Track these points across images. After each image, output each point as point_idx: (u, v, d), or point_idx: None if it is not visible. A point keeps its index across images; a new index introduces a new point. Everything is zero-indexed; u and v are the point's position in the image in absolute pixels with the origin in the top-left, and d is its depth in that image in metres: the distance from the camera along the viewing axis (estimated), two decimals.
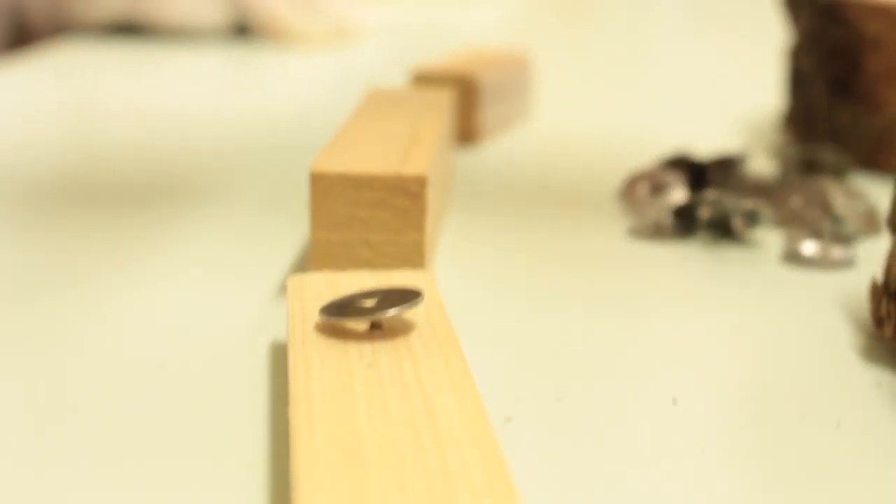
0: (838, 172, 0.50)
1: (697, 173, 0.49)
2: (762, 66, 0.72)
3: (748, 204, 0.44)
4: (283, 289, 0.39)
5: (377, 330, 0.31)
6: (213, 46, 0.81)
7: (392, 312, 0.31)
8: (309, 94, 0.72)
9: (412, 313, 0.32)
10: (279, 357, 0.34)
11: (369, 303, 0.32)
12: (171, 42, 0.81)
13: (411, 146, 0.41)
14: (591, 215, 0.48)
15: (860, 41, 0.53)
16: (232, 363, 0.34)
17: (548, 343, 0.36)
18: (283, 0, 0.84)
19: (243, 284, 0.40)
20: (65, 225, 0.46)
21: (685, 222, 0.45)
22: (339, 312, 0.31)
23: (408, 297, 0.32)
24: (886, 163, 0.53)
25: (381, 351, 0.30)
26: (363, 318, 0.31)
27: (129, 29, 0.83)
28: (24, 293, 0.39)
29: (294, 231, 0.44)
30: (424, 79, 0.56)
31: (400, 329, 0.31)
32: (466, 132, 0.56)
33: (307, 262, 0.40)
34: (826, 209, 0.46)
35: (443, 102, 0.48)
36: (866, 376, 0.34)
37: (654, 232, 0.45)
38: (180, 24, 0.81)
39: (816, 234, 0.45)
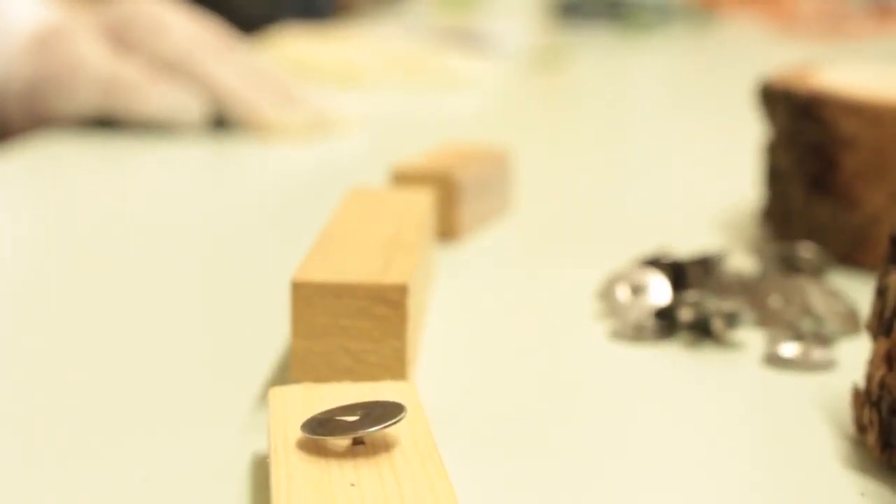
0: (817, 270, 0.51)
1: (677, 273, 0.49)
2: (739, 161, 0.73)
3: (728, 306, 0.45)
4: (265, 396, 0.39)
5: (360, 445, 0.31)
6: (191, 140, 0.81)
7: (374, 429, 0.31)
8: (289, 189, 0.72)
9: (394, 428, 0.32)
10: (260, 471, 0.34)
11: (351, 418, 0.32)
12: (148, 135, 0.81)
13: (392, 252, 0.41)
14: (573, 316, 0.48)
15: (836, 140, 0.53)
16: (213, 477, 0.34)
17: (532, 452, 0.36)
18: (261, 92, 0.84)
19: (223, 393, 0.40)
20: (38, 332, 0.46)
21: (666, 324, 0.45)
22: (321, 429, 0.31)
23: (390, 412, 0.31)
24: (865, 260, 0.53)
25: (363, 468, 0.30)
26: (345, 434, 0.31)
27: (105, 123, 0.83)
28: None
29: (274, 336, 0.44)
30: (404, 177, 0.56)
31: (382, 445, 0.31)
32: (446, 229, 0.56)
33: (288, 369, 0.40)
34: (806, 309, 0.46)
35: (423, 204, 0.48)
36: (850, 485, 0.34)
37: (636, 334, 0.45)
38: (157, 116, 0.82)
39: (796, 334, 0.45)
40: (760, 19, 1.80)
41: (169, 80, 0.82)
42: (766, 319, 0.46)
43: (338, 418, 0.32)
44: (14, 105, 0.85)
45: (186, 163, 0.78)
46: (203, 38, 0.86)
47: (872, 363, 0.36)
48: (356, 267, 0.39)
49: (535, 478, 0.34)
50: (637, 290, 0.48)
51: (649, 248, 0.53)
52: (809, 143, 0.54)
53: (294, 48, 1.12)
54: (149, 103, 0.82)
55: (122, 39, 0.85)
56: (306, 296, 0.38)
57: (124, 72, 0.82)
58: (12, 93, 0.85)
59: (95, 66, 0.82)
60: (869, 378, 0.36)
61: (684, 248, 0.53)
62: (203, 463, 0.35)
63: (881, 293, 0.37)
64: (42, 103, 0.84)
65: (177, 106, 0.82)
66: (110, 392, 0.40)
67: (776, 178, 0.58)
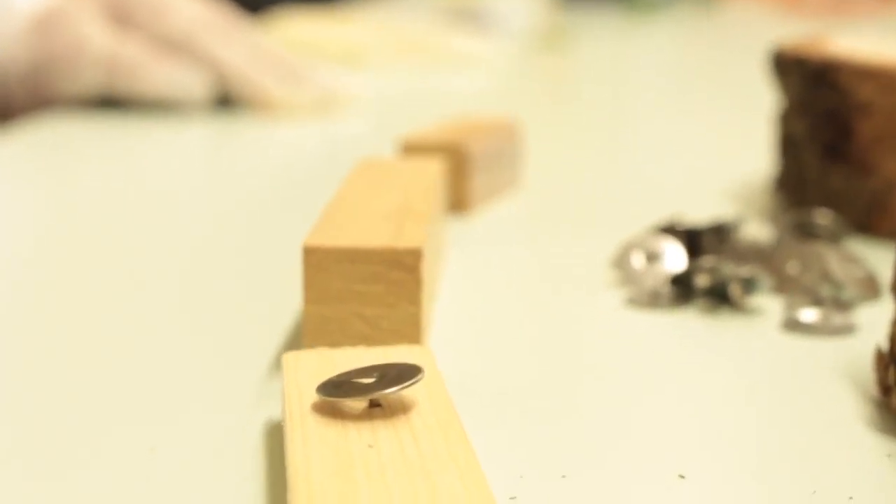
0: (834, 237, 0.50)
1: (692, 240, 0.48)
2: (752, 130, 0.72)
3: (745, 271, 0.44)
4: (277, 364, 0.38)
5: (376, 408, 0.30)
6: (195, 119, 0.80)
7: (391, 390, 0.30)
8: (295, 165, 0.72)
9: (411, 391, 0.31)
10: (275, 436, 0.33)
11: (367, 380, 0.31)
12: (153, 114, 0.81)
13: (404, 218, 0.40)
14: (587, 284, 0.47)
15: (851, 106, 0.52)
16: (227, 442, 0.33)
17: (550, 417, 0.35)
18: (266, 70, 0.84)
19: (237, 361, 0.39)
20: (45, 309, 0.46)
21: (682, 290, 0.45)
22: (337, 391, 0.31)
23: (407, 373, 0.31)
24: (881, 227, 0.52)
25: (380, 430, 0.29)
26: (362, 396, 0.30)
27: (109, 103, 0.82)
28: None
29: (287, 304, 0.43)
30: (413, 148, 0.55)
31: (399, 407, 0.30)
32: (457, 201, 0.56)
33: (301, 336, 0.39)
34: (824, 275, 0.46)
35: (433, 172, 0.48)
36: (876, 447, 0.34)
37: (651, 301, 0.44)
38: (162, 95, 0.81)
39: (815, 300, 0.44)
40: (765, 0, 1.79)
41: (173, 59, 0.82)
42: (784, 286, 0.46)
43: (354, 380, 0.31)
44: (16, 87, 0.84)
45: (192, 142, 0.78)
46: (207, 17, 0.85)
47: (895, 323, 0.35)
48: (368, 232, 0.39)
49: (554, 441, 0.34)
50: (652, 257, 0.47)
51: (663, 218, 0.52)
52: (824, 110, 0.54)
53: (299, 29, 1.11)
54: (153, 82, 0.81)
55: (124, 19, 0.84)
56: (318, 261, 0.37)
57: (127, 51, 0.82)
58: (14, 74, 0.84)
59: (98, 46, 0.81)
60: (892, 339, 0.35)
61: (699, 216, 0.52)
62: (215, 431, 0.34)
63: None
64: (45, 84, 0.83)
65: (181, 85, 0.82)
66: (121, 362, 0.39)
67: (790, 146, 0.57)
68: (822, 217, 0.50)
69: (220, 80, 0.83)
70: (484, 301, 0.46)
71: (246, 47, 0.85)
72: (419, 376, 0.30)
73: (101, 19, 0.84)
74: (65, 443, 0.33)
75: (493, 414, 0.35)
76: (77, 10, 0.84)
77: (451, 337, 0.41)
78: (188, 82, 0.82)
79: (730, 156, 0.73)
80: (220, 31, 0.84)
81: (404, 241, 0.38)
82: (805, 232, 0.50)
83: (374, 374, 0.31)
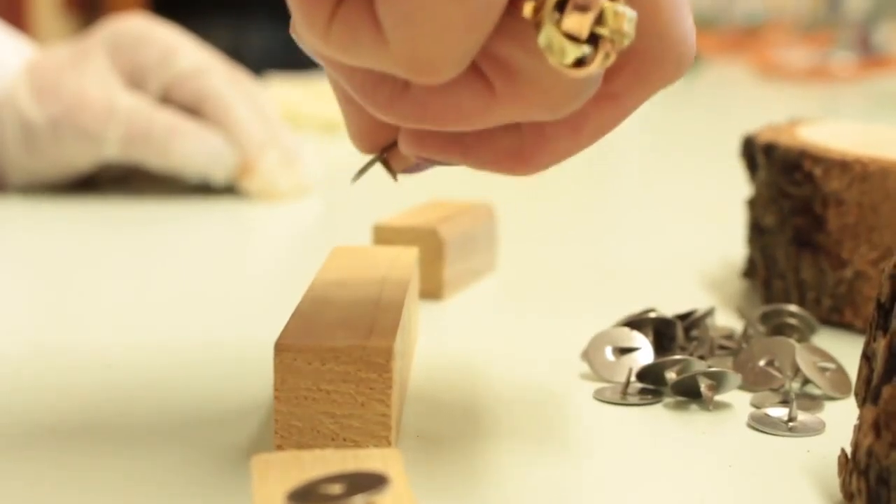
0: (804, 331, 0.50)
1: (662, 333, 0.49)
2: (727, 213, 0.72)
3: (714, 367, 0.44)
4: (246, 462, 0.38)
5: None
6: (159, 198, 0.79)
7: (358, 501, 0.30)
8: (272, 248, 0.72)
9: (378, 498, 0.31)
10: None
11: (334, 489, 0.31)
12: (112, 196, 0.78)
13: (377, 313, 0.41)
14: (557, 378, 0.47)
15: (822, 196, 0.53)
16: None
17: None
18: (273, 144, 0.77)
19: (208, 459, 0.39)
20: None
21: (651, 386, 0.45)
22: (305, 500, 0.31)
23: (374, 482, 0.31)
24: (852, 319, 0.53)
25: None
26: None
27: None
28: None
29: (259, 399, 0.44)
30: (388, 234, 0.56)
31: None
32: (431, 288, 0.56)
33: (273, 434, 0.39)
34: (793, 370, 0.46)
35: (408, 262, 0.48)
36: None
37: (620, 395, 0.45)
38: (193, 168, 0.74)
39: (784, 396, 0.45)
40: (745, 66, 1.80)
41: (203, 127, 0.75)
42: (753, 381, 0.46)
43: (321, 490, 0.31)
44: (17, 155, 0.76)
45: (159, 223, 0.76)
46: (216, 65, 0.77)
47: (860, 430, 0.36)
48: (340, 329, 0.39)
49: None
50: (622, 351, 0.47)
51: (635, 306, 0.53)
52: (794, 200, 0.54)
53: (277, 98, 1.12)
54: (186, 153, 0.74)
55: (133, 70, 0.76)
56: (289, 360, 0.37)
57: (159, 116, 0.74)
58: (10, 140, 0.76)
59: (126, 108, 0.74)
60: (857, 445, 0.36)
61: (671, 306, 0.52)
62: None
63: (868, 359, 0.37)
64: (53, 153, 0.75)
65: (214, 156, 0.75)
66: (91, 449, 0.39)
67: (761, 234, 0.58)
68: (793, 309, 0.51)
69: (240, 149, 0.76)
70: (453, 394, 0.46)
71: (255, 109, 0.77)
72: (385, 486, 0.31)
73: (114, 72, 0.76)
74: None
75: None
76: (83, 60, 0.76)
77: (421, 432, 0.41)
78: (221, 152, 0.75)
79: (706, 238, 0.74)
80: (234, 84, 0.77)
81: (375, 340, 0.38)
82: (776, 325, 0.51)
83: (342, 483, 0.31)
